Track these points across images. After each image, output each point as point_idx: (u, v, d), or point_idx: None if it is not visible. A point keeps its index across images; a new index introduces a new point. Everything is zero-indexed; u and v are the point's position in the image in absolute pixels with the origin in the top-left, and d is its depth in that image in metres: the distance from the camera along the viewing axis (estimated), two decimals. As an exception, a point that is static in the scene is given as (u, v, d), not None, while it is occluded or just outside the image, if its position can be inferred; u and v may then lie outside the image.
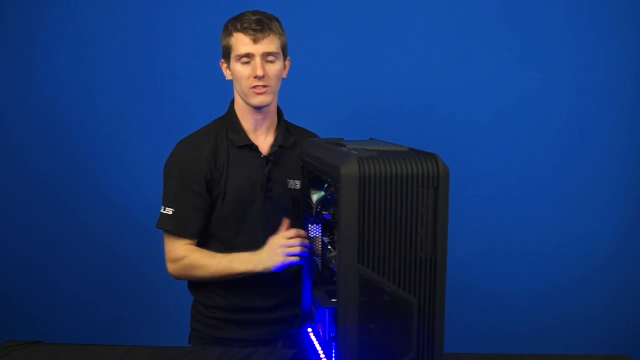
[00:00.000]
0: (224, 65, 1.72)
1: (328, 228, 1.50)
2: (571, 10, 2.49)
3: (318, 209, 1.41)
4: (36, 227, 2.75)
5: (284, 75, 1.72)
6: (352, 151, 1.16)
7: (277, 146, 1.73)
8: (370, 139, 1.54)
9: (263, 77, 1.63)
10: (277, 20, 1.68)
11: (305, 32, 2.49)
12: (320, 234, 1.50)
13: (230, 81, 1.73)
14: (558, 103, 2.53)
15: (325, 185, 1.44)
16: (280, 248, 1.57)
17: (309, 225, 1.51)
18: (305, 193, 1.52)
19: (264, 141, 1.74)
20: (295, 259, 1.57)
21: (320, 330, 1.36)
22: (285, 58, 1.71)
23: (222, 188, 1.69)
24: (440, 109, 2.57)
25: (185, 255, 1.69)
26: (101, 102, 2.66)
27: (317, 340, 1.39)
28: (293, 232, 1.59)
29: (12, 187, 2.74)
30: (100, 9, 2.62)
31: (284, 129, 1.78)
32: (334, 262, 1.33)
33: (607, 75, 2.51)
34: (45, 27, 2.63)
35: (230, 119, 1.75)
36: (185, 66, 2.59)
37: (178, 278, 1.75)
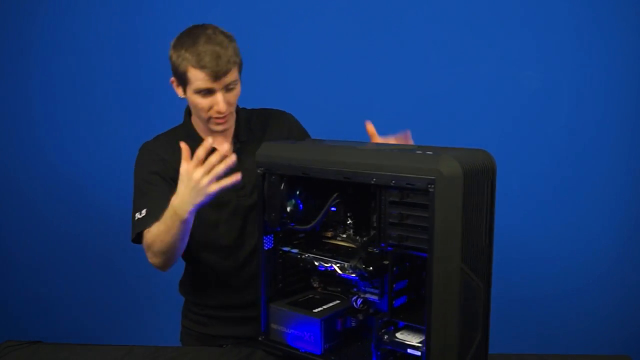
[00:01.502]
0: (175, 84, 1.61)
1: (301, 237, 1.47)
2: (572, 10, 2.49)
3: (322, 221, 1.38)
4: (36, 227, 2.74)
5: None
6: (419, 151, 1.20)
7: (238, 144, 1.70)
8: (314, 140, 1.53)
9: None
10: (232, 41, 1.56)
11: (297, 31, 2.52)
12: (271, 246, 1.43)
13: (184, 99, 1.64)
14: (560, 106, 2.52)
15: (297, 192, 1.39)
16: (202, 178, 1.36)
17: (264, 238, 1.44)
18: (280, 203, 1.39)
19: (223, 142, 1.67)
20: (225, 182, 1.38)
21: (311, 343, 1.36)
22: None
23: None
24: (438, 109, 2.56)
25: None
26: (86, 106, 2.67)
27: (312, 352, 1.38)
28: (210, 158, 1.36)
29: (11, 187, 2.73)
30: (83, 10, 2.63)
31: (243, 120, 1.72)
32: (350, 271, 1.32)
33: (609, 76, 2.50)
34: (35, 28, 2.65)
35: (186, 129, 1.70)
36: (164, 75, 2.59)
37: (160, 266, 1.57)
